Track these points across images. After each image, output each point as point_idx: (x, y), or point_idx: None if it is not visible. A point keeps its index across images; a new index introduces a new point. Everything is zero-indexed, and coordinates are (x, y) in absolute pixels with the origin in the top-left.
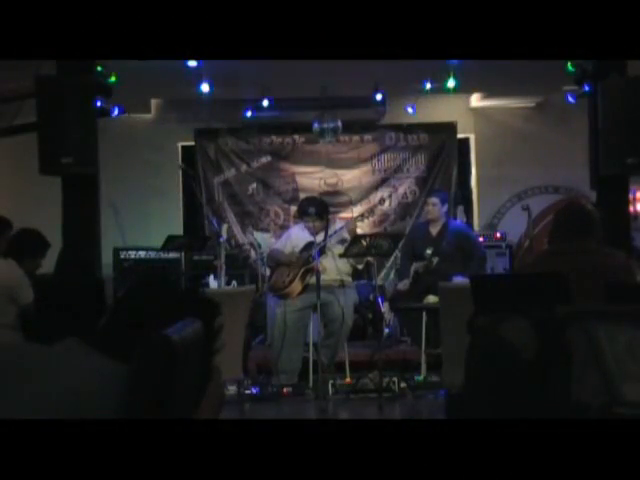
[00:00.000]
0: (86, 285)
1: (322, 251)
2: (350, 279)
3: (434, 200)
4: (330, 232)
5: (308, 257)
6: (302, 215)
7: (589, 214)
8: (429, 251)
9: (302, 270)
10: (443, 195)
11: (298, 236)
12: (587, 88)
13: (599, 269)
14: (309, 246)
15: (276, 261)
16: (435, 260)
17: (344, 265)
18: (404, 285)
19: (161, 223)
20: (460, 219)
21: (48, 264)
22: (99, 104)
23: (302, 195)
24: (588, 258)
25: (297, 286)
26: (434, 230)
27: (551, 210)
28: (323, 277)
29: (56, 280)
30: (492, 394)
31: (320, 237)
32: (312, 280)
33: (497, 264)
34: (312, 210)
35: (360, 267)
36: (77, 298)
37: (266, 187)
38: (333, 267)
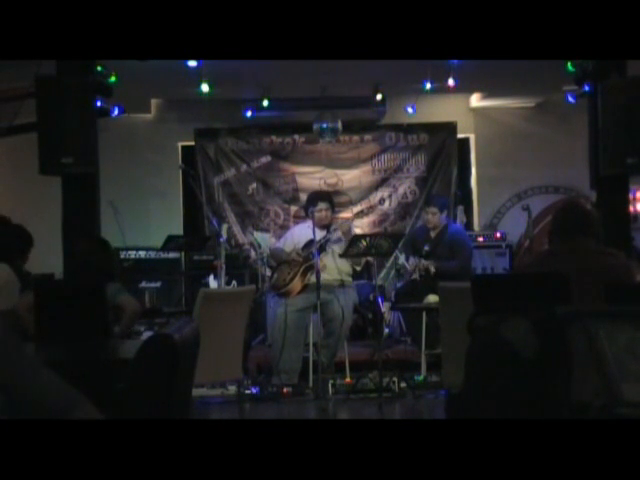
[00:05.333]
0: (94, 287)
1: (322, 249)
2: (350, 279)
3: (433, 209)
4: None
5: (309, 255)
6: (312, 206)
7: (588, 214)
8: (427, 247)
9: (303, 268)
10: (441, 201)
11: (300, 235)
12: (587, 88)
13: (599, 269)
14: (310, 244)
15: (277, 259)
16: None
17: (344, 265)
18: (412, 263)
19: (161, 223)
20: (460, 219)
21: (49, 264)
22: (99, 104)
23: (302, 195)
24: (588, 258)
25: (297, 284)
26: (433, 233)
27: (551, 210)
28: (324, 276)
29: (66, 282)
30: (492, 394)
31: (321, 235)
32: (312, 279)
33: (497, 264)
34: (323, 199)
35: (358, 269)
36: (83, 300)
37: (266, 187)
38: (333, 266)
